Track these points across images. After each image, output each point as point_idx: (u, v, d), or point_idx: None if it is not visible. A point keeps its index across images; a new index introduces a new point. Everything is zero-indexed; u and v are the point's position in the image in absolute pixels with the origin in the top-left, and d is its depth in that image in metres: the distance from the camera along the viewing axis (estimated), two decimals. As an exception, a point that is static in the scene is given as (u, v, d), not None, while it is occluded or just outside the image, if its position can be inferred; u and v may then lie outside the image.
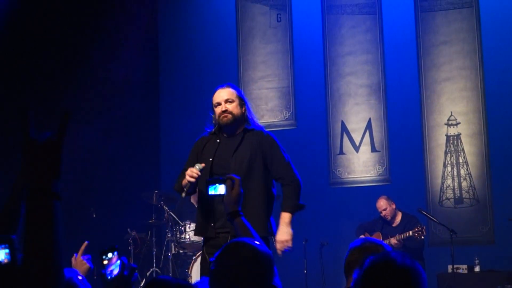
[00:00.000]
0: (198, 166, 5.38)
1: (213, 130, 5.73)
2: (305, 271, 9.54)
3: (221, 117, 5.58)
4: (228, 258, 3.03)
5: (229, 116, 5.56)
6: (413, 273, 2.20)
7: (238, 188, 4.03)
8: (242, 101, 5.67)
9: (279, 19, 11.29)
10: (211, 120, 5.75)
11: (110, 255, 2.88)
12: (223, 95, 5.63)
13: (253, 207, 5.31)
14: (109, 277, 2.86)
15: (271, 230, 5.50)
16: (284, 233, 5.47)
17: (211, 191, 4.08)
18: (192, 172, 5.34)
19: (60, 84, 9.74)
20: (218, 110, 5.60)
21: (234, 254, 3.03)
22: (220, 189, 4.07)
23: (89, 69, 10.23)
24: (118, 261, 2.88)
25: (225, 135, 5.66)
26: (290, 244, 5.48)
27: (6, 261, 2.20)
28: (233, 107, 5.59)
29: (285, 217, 5.53)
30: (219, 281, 2.98)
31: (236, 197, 4.01)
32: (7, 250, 2.22)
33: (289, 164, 5.62)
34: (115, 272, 2.87)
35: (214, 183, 4.09)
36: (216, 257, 3.10)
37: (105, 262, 2.86)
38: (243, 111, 5.65)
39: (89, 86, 10.20)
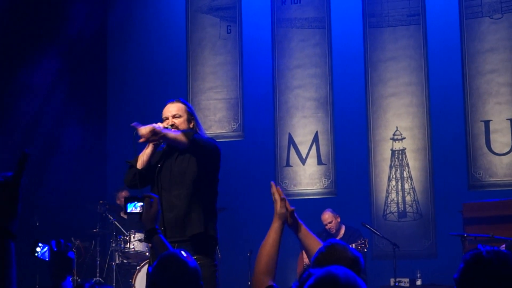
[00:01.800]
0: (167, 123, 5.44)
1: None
2: (249, 283, 9.56)
3: None
4: (161, 271, 3.18)
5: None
6: None
7: (156, 207, 4.10)
8: (191, 116, 5.67)
9: (229, 31, 11.33)
10: None
11: (38, 248, 3.43)
12: (171, 109, 5.61)
13: (194, 209, 5.36)
14: (46, 259, 3.40)
15: (212, 233, 5.44)
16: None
17: (130, 209, 4.15)
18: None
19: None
20: (164, 124, 5.56)
21: (166, 268, 3.18)
22: (139, 207, 4.14)
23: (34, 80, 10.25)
24: (46, 247, 3.42)
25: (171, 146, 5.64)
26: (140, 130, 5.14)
27: None
28: (180, 122, 5.57)
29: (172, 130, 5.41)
30: None
31: (153, 215, 4.06)
32: None
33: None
34: (46, 254, 3.42)
35: (132, 201, 4.16)
36: (152, 269, 3.26)
37: (38, 249, 3.43)
38: (191, 126, 5.65)
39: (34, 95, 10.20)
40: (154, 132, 5.08)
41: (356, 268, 3.21)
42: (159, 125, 5.48)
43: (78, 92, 11.16)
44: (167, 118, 5.61)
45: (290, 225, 3.92)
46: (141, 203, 4.12)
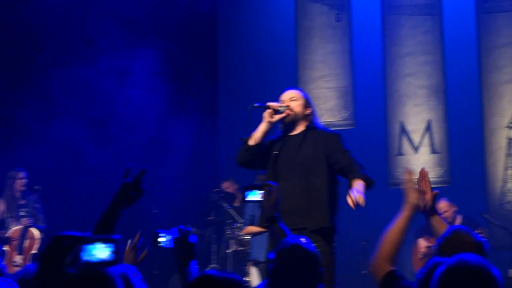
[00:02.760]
0: (283, 108, 5.65)
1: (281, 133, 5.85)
2: (363, 272, 9.53)
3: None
4: (282, 257, 3.33)
5: (291, 112, 5.71)
6: (490, 278, 2.22)
7: (275, 195, 4.15)
8: (307, 104, 5.80)
9: (338, 19, 11.28)
10: (279, 126, 5.86)
11: (160, 239, 3.66)
12: (289, 94, 5.81)
13: (318, 200, 5.47)
14: (170, 247, 3.59)
15: (333, 224, 5.53)
16: (357, 187, 5.43)
17: (249, 197, 4.25)
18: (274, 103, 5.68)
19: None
20: (279, 104, 5.76)
21: (287, 254, 3.33)
22: (258, 195, 4.20)
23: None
24: (168, 235, 3.64)
25: (288, 133, 5.77)
26: (362, 198, 5.40)
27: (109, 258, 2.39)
28: (296, 105, 5.73)
29: (358, 182, 5.50)
30: (277, 278, 3.27)
31: (273, 203, 4.14)
32: (111, 249, 2.39)
33: (352, 157, 5.72)
34: (169, 242, 3.62)
35: (252, 189, 4.26)
36: (273, 255, 3.40)
37: (160, 239, 3.65)
38: (307, 113, 5.77)
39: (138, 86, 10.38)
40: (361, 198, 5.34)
41: (481, 252, 3.24)
42: (274, 104, 5.61)
43: (189, 83, 11.32)
44: (284, 101, 5.77)
45: (424, 210, 3.90)
46: (261, 191, 4.16)
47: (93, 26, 10.00)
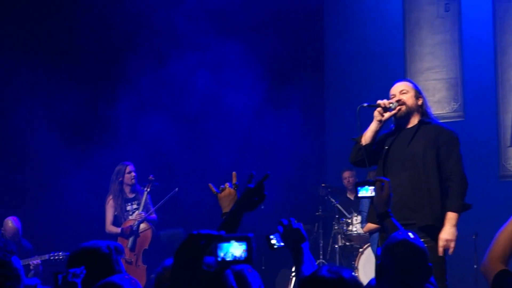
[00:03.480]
0: (393, 105, 5.59)
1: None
2: (475, 266, 9.34)
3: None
4: (390, 253, 3.33)
5: (403, 107, 5.63)
6: None
7: (387, 190, 4.13)
8: (418, 94, 5.73)
9: (447, 9, 11.06)
10: (392, 120, 5.83)
11: (273, 241, 3.75)
12: (398, 87, 5.74)
13: (428, 196, 5.44)
14: (281, 244, 3.72)
15: (441, 216, 5.47)
16: (447, 233, 5.41)
17: (361, 193, 4.23)
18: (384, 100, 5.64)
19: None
20: (390, 101, 5.69)
21: (394, 249, 3.32)
22: (370, 191, 4.20)
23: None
24: (277, 236, 3.75)
25: (402, 127, 5.73)
26: (452, 245, 5.42)
27: (243, 256, 2.42)
28: (407, 97, 5.66)
29: (451, 217, 5.46)
30: (384, 274, 3.27)
31: (385, 199, 4.11)
32: (244, 247, 2.42)
33: (460, 161, 5.60)
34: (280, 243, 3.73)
35: (363, 185, 4.25)
36: (381, 251, 3.41)
37: (273, 241, 3.75)
38: (419, 103, 5.70)
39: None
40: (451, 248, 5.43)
41: None
42: (384, 101, 5.56)
43: (295, 76, 11.34)
44: (394, 96, 5.69)
45: None
46: (373, 187, 4.17)
47: (182, 22, 10.10)
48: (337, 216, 9.87)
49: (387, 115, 5.62)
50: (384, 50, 11.46)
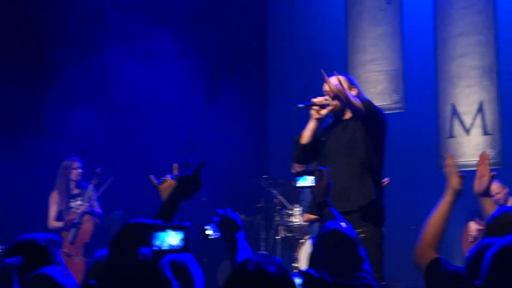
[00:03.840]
0: (328, 101, 5.59)
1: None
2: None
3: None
4: (321, 242, 3.39)
5: (336, 103, 5.66)
6: None
7: (326, 180, 4.11)
8: (352, 85, 5.74)
9: (389, 1, 11.11)
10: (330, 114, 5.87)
11: (208, 231, 3.68)
12: (329, 83, 5.60)
13: (356, 182, 5.51)
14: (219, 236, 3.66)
15: (376, 202, 5.52)
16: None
17: (300, 182, 4.23)
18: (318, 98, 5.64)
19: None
20: (324, 98, 5.71)
21: (325, 239, 3.37)
22: (309, 180, 4.18)
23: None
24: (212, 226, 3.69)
25: (339, 119, 5.80)
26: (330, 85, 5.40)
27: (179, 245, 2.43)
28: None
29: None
30: (317, 263, 3.31)
31: (324, 188, 4.10)
32: (181, 236, 2.42)
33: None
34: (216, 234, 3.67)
35: (303, 175, 4.23)
36: (315, 241, 3.45)
37: (208, 232, 3.68)
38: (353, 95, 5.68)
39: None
40: (339, 90, 5.31)
41: None
42: (319, 99, 5.54)
43: (238, 69, 11.26)
44: (327, 92, 5.67)
45: (479, 192, 3.94)
46: (312, 177, 4.17)
47: (114, 12, 9.93)
48: (278, 207, 9.84)
49: (323, 112, 5.66)
50: (327, 42, 11.48)
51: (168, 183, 4.09)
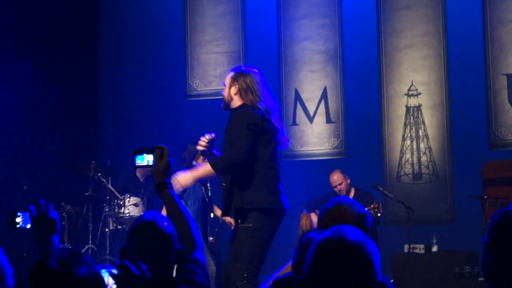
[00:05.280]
0: (208, 137, 5.62)
1: None
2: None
3: None
4: (134, 236, 3.19)
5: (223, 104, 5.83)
6: (365, 251, 2.09)
7: (167, 158, 3.69)
8: (233, 82, 5.74)
9: (230, -22, 10.63)
10: None
11: (18, 219, 3.35)
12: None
13: (229, 181, 5.60)
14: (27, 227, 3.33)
15: (250, 203, 5.51)
16: (182, 174, 5.58)
17: (138, 161, 3.76)
18: (200, 141, 5.66)
19: None
20: (201, 144, 5.76)
21: (139, 233, 3.17)
22: (148, 159, 3.74)
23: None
24: (26, 214, 3.32)
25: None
26: (175, 182, 5.38)
27: None
28: (225, 92, 5.76)
29: (201, 168, 5.72)
30: (128, 256, 3.08)
31: (164, 167, 3.70)
32: None
33: (232, 142, 5.58)
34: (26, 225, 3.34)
35: (141, 153, 3.75)
36: (127, 234, 3.30)
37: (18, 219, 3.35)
38: (233, 93, 5.72)
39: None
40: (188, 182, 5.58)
41: (363, 224, 3.34)
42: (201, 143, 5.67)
43: (68, 47, 10.63)
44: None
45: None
46: (151, 155, 3.71)
47: None
48: (108, 197, 9.24)
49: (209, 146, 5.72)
50: (164, 20, 10.93)
51: None
